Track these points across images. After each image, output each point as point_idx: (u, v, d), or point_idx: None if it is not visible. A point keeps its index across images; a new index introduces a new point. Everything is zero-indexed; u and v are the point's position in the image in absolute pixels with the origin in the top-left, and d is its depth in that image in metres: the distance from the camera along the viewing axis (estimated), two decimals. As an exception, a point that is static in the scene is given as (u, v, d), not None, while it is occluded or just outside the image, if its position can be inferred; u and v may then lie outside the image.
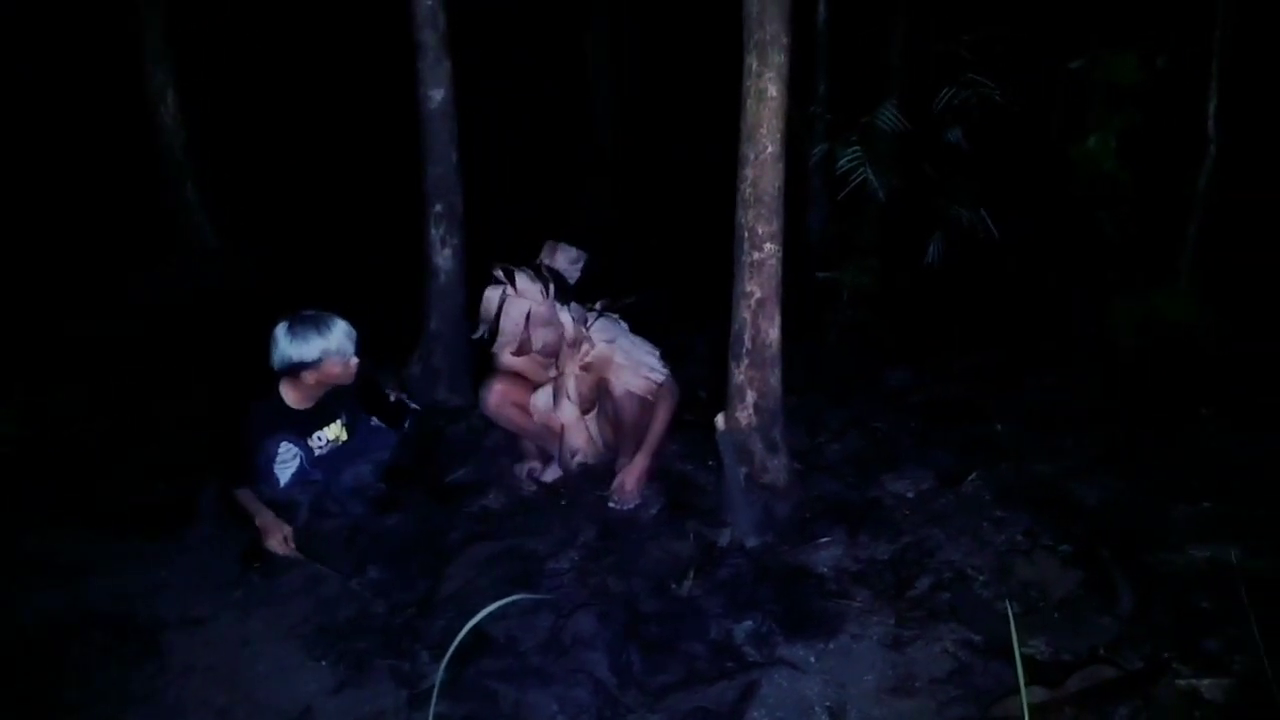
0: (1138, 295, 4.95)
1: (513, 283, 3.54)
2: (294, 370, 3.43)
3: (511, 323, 3.55)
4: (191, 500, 3.63)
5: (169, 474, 3.98)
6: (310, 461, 3.56)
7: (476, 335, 3.71)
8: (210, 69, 8.79)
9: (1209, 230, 5.08)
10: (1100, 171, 4.83)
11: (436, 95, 4.50)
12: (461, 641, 2.66)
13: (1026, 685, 2.28)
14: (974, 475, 3.55)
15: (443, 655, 2.61)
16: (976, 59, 4.71)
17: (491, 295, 3.60)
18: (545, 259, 3.73)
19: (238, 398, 3.58)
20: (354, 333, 3.52)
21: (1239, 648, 2.44)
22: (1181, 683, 2.33)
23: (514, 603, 2.77)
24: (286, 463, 3.49)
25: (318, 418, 3.61)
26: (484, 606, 2.59)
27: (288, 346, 3.40)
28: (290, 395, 3.54)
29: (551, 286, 3.59)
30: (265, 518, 3.35)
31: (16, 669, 2.66)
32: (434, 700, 1.48)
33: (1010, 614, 1.90)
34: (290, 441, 3.50)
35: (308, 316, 3.45)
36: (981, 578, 2.93)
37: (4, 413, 3.46)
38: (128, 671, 2.65)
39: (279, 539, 3.30)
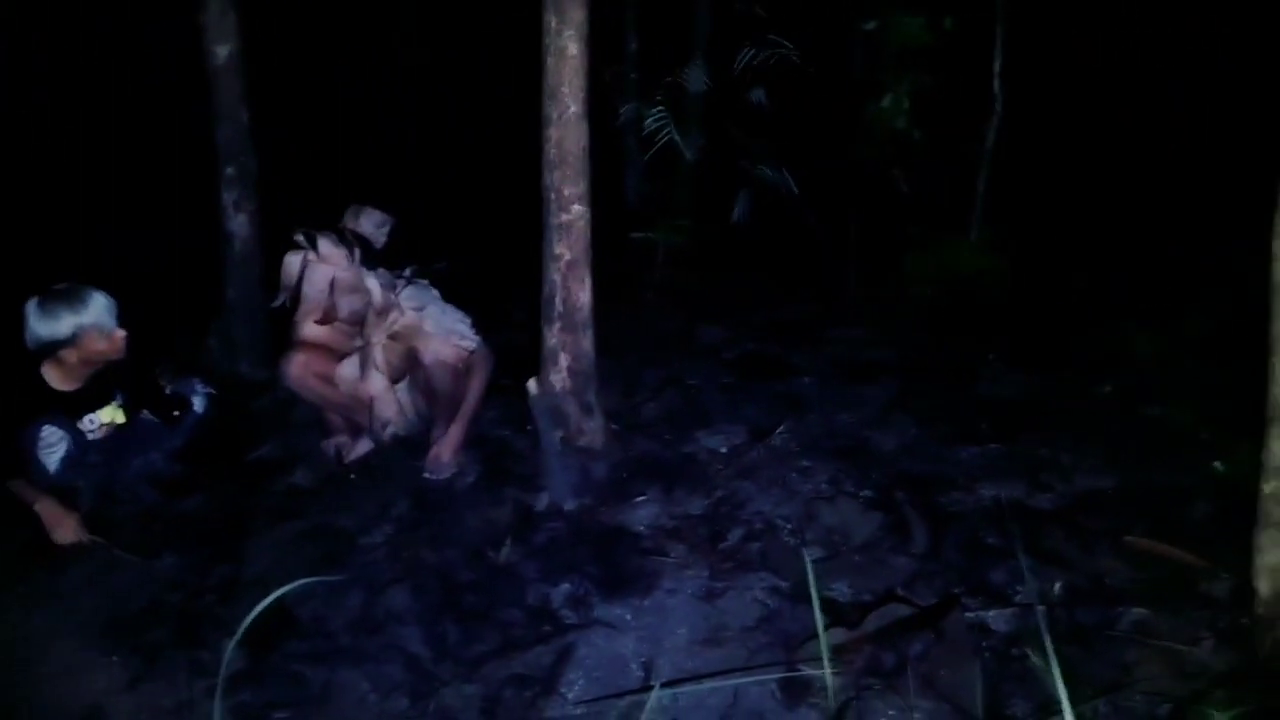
0: (931, 249, 5.22)
1: (315, 248, 3.39)
2: (48, 350, 3.17)
3: (315, 290, 3.40)
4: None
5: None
6: (80, 445, 3.30)
7: (277, 303, 3.55)
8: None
9: (996, 185, 5.40)
10: (894, 130, 5.05)
11: (223, 51, 4.23)
12: (266, 625, 2.57)
13: (828, 628, 2.39)
14: (782, 428, 3.67)
15: (247, 642, 2.51)
16: (776, 19, 4.81)
17: (292, 261, 3.44)
18: (349, 223, 3.59)
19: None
20: (113, 305, 3.26)
21: (1020, 580, 2.63)
22: (970, 615, 2.49)
23: (320, 584, 2.68)
24: (52, 446, 3.23)
25: (88, 399, 3.34)
26: (293, 589, 2.52)
27: (38, 324, 3.14)
28: (53, 376, 3.27)
29: (357, 251, 3.46)
30: (47, 506, 3.10)
31: None
32: (219, 688, 1.40)
33: (808, 560, 1.95)
34: (53, 424, 3.23)
35: (59, 291, 3.18)
36: (789, 526, 3.04)
37: None
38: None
39: (67, 528, 3.08)
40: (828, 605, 2.59)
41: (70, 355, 3.21)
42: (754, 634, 2.55)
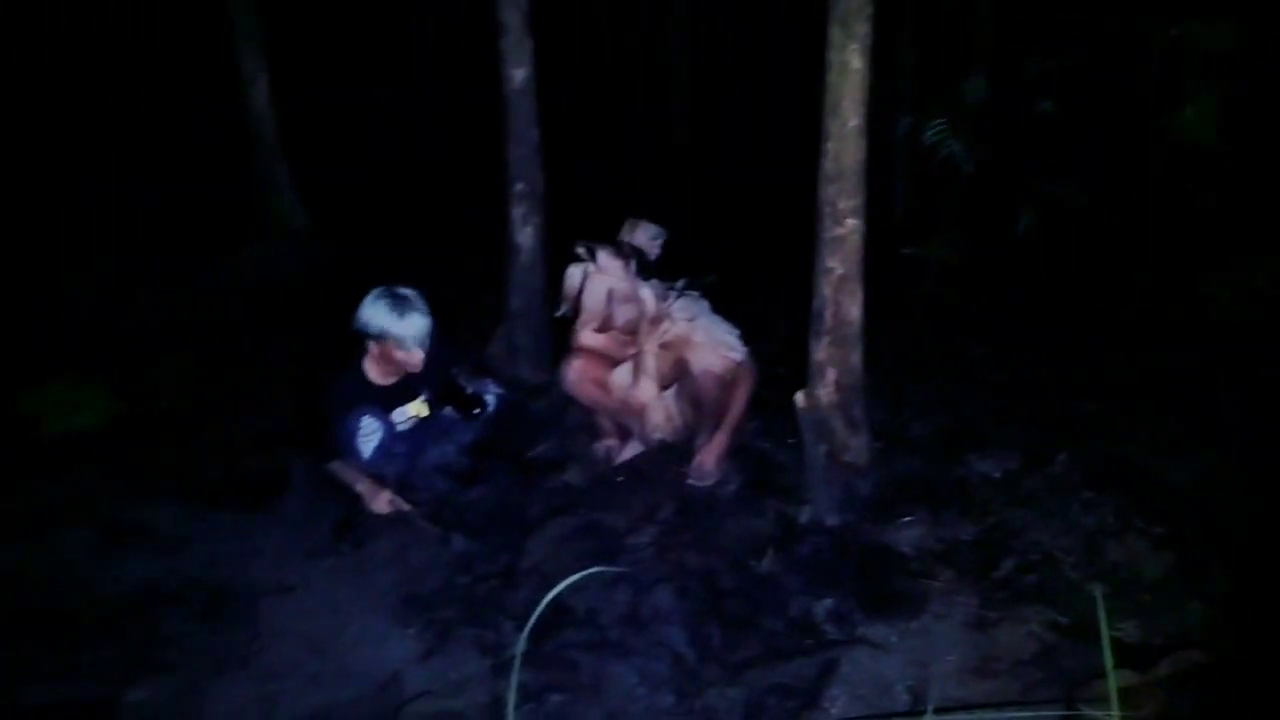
0: (1236, 268, 4.75)
1: (595, 259, 3.56)
2: (360, 335, 3.53)
3: (594, 299, 3.57)
4: (284, 472, 3.74)
5: (262, 447, 4.11)
6: (392, 436, 3.64)
7: (559, 314, 3.75)
8: (298, 54, 8.98)
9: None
10: (1196, 143, 4.63)
11: (519, 75, 4.52)
12: (543, 613, 2.73)
13: (1115, 668, 2.23)
14: (1063, 455, 3.47)
15: (524, 625, 2.67)
16: (1063, 26, 4.55)
17: (574, 273, 3.63)
18: (626, 235, 3.74)
19: (321, 373, 3.68)
20: (429, 329, 3.52)
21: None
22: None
23: (593, 575, 2.80)
24: (369, 436, 3.57)
25: (400, 394, 3.68)
26: (564, 579, 2.65)
27: (364, 308, 3.51)
28: (372, 370, 3.63)
29: (633, 263, 3.60)
30: (365, 484, 3.47)
31: (118, 632, 2.78)
32: (515, 669, 1.50)
33: (1099, 595, 1.84)
34: (372, 415, 3.58)
35: (399, 294, 3.52)
36: (1069, 559, 2.87)
37: (100, 389, 3.60)
38: (223, 636, 2.76)
39: (384, 500, 3.42)
40: (1114, 645, 2.42)
41: (375, 350, 3.55)
42: (1029, 668, 2.43)
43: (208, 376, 5.00)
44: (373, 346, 3.57)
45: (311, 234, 7.93)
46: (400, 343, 3.50)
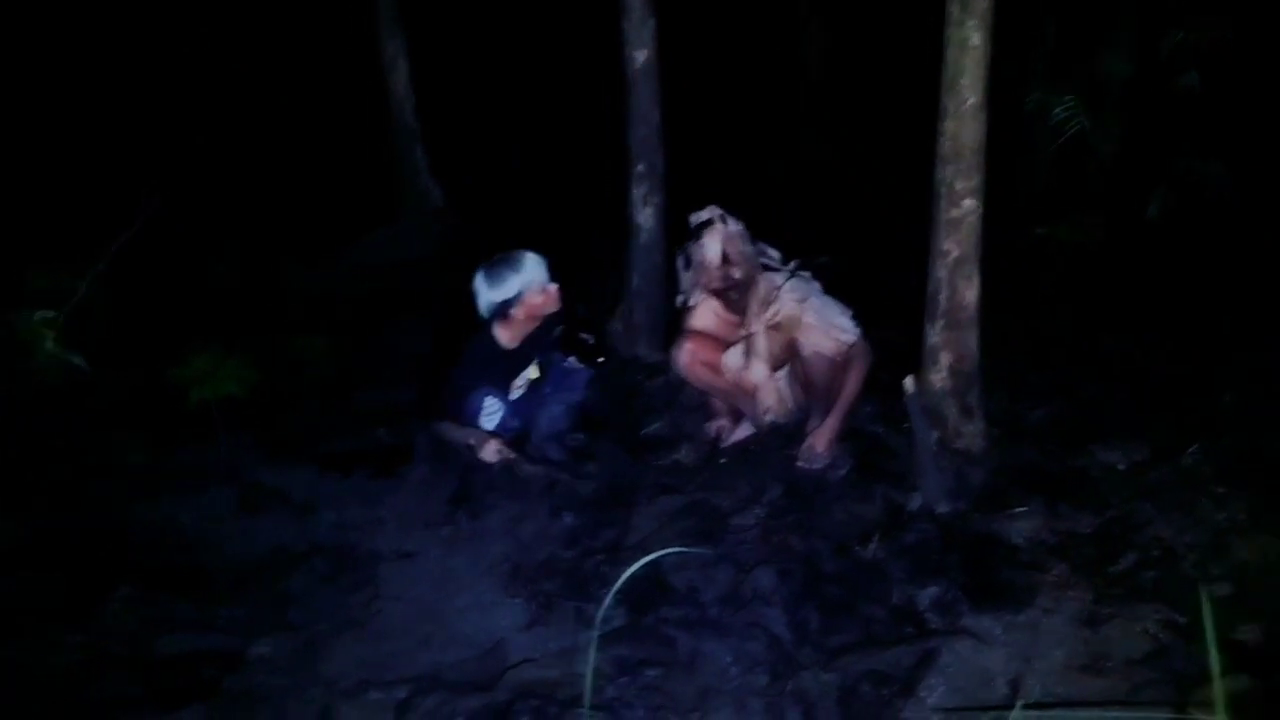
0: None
1: (725, 221, 3.57)
2: (502, 311, 3.64)
3: (737, 252, 3.57)
4: (410, 443, 3.91)
5: (391, 418, 4.29)
6: (511, 411, 3.76)
7: (683, 298, 3.77)
8: (438, 38, 9.25)
9: None
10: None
11: (640, 56, 4.55)
12: (646, 588, 2.79)
13: (1234, 673, 2.14)
14: (1194, 448, 3.30)
15: (627, 601, 2.74)
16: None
17: (712, 241, 3.57)
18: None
19: (450, 353, 3.82)
20: (544, 260, 3.70)
21: None
22: None
23: (690, 555, 2.85)
24: (491, 415, 3.70)
25: (523, 358, 3.80)
26: (668, 558, 2.70)
27: (489, 292, 3.63)
28: (503, 335, 3.76)
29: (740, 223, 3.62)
30: (474, 435, 3.64)
31: (249, 589, 2.98)
32: (594, 638, 1.56)
33: (1204, 594, 1.77)
34: (494, 396, 3.70)
35: (498, 259, 3.67)
36: (1192, 557, 2.75)
37: (243, 361, 3.83)
38: (344, 598, 2.92)
39: (492, 450, 3.57)
40: (1233, 647, 2.32)
41: (519, 312, 3.68)
42: (1140, 668, 2.35)
43: (344, 350, 5.24)
44: (515, 312, 3.67)
45: (447, 215, 8.18)
46: (535, 286, 3.64)
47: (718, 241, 3.55)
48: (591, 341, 3.97)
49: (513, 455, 3.62)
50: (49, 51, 8.29)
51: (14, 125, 7.26)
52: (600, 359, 3.96)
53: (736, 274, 3.58)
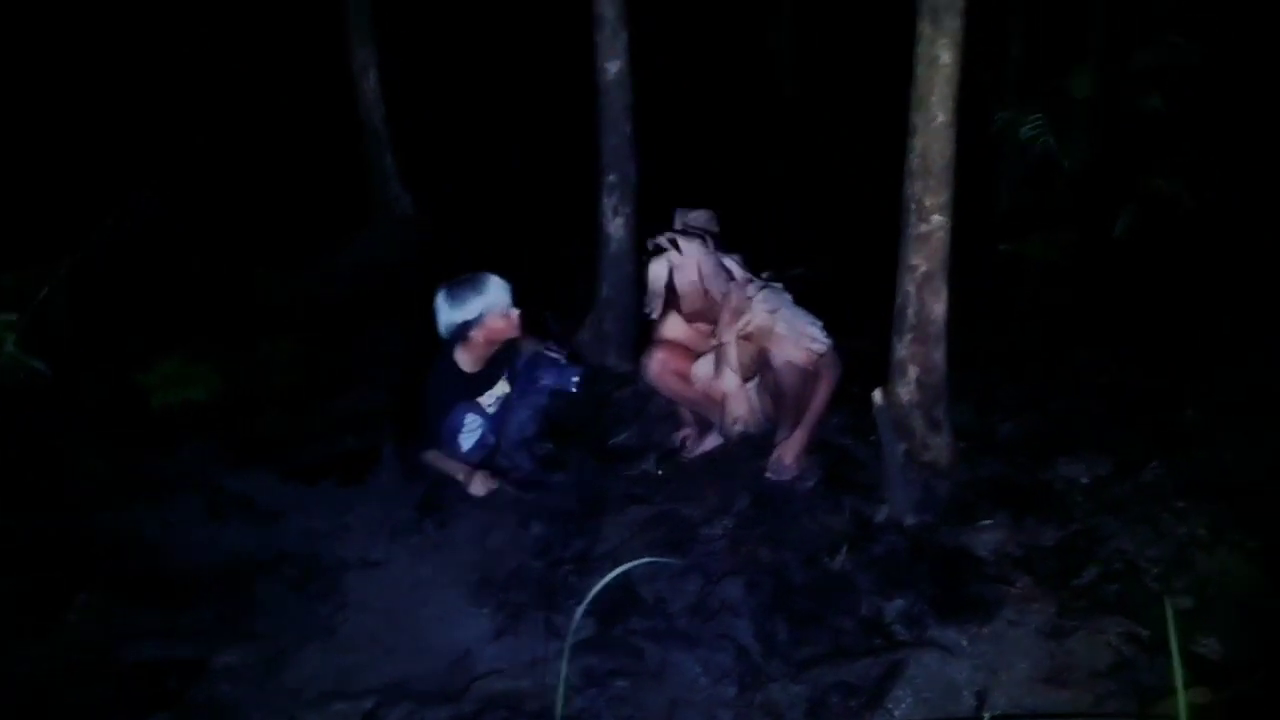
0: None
1: (678, 247, 3.58)
2: (460, 333, 3.60)
3: (686, 280, 3.58)
4: (377, 451, 3.89)
5: (358, 426, 4.27)
6: (490, 427, 3.75)
7: (648, 310, 3.77)
8: (417, 47, 9.23)
9: None
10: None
11: (613, 68, 4.57)
12: (614, 599, 2.78)
13: (1194, 685, 2.17)
14: (1157, 463, 3.34)
15: (595, 612, 2.73)
16: (1183, 18, 4.33)
17: (658, 267, 3.64)
18: (680, 223, 3.75)
19: (419, 363, 3.80)
20: (508, 285, 3.66)
21: None
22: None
23: (662, 565, 2.84)
24: (472, 431, 3.69)
25: (488, 378, 3.78)
26: (638, 566, 2.68)
27: (450, 312, 3.59)
28: (463, 358, 3.72)
29: (708, 239, 3.62)
30: (463, 470, 3.61)
31: (214, 597, 2.95)
32: (565, 652, 1.55)
33: (1169, 607, 1.79)
34: (474, 412, 3.69)
35: (462, 280, 3.63)
36: (1155, 570, 2.78)
37: (209, 366, 3.80)
38: (311, 606, 2.90)
39: (481, 482, 3.56)
40: (1194, 661, 2.35)
41: (478, 335, 3.64)
42: (1103, 680, 2.37)
43: (312, 357, 5.20)
44: (474, 334, 3.64)
45: (417, 221, 8.15)
46: (497, 309, 3.61)
47: (664, 269, 3.56)
48: (563, 359, 3.94)
49: (496, 485, 3.59)
50: (49, 52, 8.21)
51: (14, 125, 7.17)
52: (573, 352, 3.94)
53: (715, 291, 3.60)
